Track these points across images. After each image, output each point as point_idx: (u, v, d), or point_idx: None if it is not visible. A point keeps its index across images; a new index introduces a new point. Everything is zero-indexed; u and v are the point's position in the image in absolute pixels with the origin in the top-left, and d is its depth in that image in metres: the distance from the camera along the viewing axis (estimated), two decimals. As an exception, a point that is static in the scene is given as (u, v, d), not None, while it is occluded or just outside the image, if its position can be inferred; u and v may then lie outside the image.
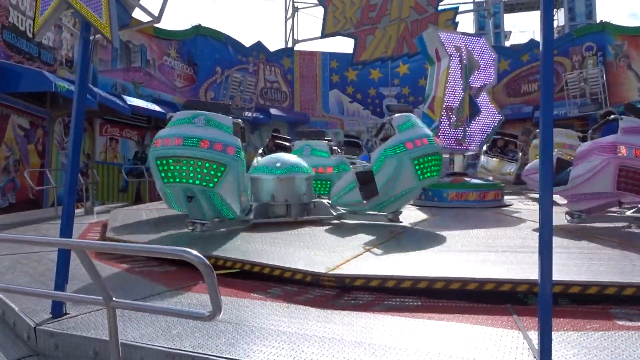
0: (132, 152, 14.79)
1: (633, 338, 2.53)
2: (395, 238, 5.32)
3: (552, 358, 2.21)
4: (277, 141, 9.38)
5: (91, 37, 3.26)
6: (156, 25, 11.97)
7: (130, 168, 14.08)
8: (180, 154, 5.12)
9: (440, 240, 5.09)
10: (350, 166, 7.47)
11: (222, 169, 5.21)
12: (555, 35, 22.94)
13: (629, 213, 6.13)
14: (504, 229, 5.81)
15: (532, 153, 12.16)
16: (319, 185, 7.92)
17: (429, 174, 5.80)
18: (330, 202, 6.84)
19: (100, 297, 2.06)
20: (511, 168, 12.88)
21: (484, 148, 11.94)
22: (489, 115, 9.16)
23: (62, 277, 3.10)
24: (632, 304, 3.10)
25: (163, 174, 5.22)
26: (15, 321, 3.17)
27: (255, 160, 7.29)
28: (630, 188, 5.13)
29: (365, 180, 5.97)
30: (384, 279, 3.59)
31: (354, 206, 6.40)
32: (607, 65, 16.86)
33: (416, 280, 3.52)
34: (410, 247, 4.76)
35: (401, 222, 6.25)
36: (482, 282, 3.41)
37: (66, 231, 3.16)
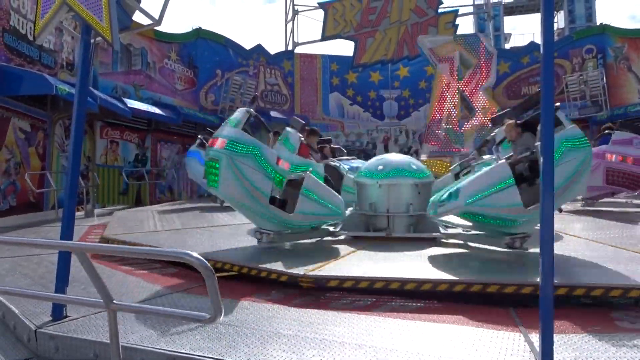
0: (132, 154, 14.78)
1: (634, 341, 2.53)
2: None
3: (554, 360, 2.19)
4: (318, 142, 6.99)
5: (92, 40, 3.27)
6: (157, 28, 11.98)
7: (130, 170, 14.08)
8: None
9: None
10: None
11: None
12: (556, 38, 22.95)
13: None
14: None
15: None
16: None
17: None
18: (430, 213, 4.71)
19: (101, 300, 2.06)
20: None
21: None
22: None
23: (62, 280, 3.10)
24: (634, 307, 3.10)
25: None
26: (15, 324, 3.16)
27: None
28: (616, 183, 7.65)
29: (529, 176, 4.25)
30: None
31: (501, 213, 4.25)
32: (607, 67, 16.86)
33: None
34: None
35: (527, 249, 4.39)
36: (486, 284, 3.40)
37: (67, 234, 3.16)
